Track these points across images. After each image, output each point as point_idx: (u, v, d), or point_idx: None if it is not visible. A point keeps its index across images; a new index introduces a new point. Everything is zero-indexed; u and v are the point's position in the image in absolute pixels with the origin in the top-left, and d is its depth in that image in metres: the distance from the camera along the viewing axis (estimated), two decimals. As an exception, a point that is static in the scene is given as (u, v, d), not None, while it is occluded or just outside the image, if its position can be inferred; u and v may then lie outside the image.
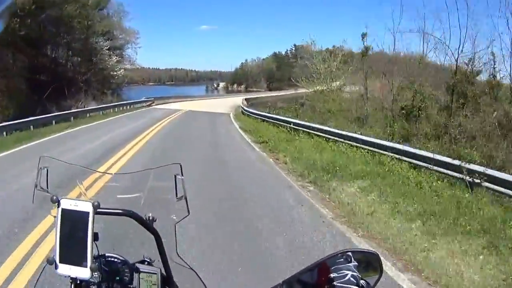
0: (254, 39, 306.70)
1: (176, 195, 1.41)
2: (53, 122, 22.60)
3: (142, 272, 1.36)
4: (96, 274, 1.19)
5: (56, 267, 1.11)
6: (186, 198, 1.41)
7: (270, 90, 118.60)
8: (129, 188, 1.59)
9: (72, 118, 25.01)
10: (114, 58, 41.55)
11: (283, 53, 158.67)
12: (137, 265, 1.39)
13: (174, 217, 1.47)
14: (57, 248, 1.11)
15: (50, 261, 1.12)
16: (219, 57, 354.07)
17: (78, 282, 1.19)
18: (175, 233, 1.45)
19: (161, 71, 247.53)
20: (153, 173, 1.53)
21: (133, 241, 1.66)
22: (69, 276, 1.13)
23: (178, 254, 1.43)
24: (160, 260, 1.38)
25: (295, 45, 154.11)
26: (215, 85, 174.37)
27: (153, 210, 1.41)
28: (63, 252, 1.11)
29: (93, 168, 4.24)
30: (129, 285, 1.36)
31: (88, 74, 37.06)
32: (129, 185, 1.63)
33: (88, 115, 27.84)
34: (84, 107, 30.11)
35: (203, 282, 1.45)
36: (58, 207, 1.13)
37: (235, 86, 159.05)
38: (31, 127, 19.78)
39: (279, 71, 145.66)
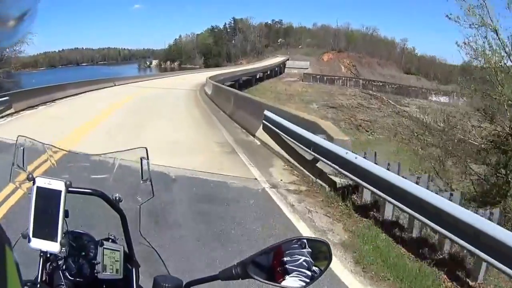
0: (190, 15, 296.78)
1: (142, 177, 1.50)
2: None
3: (106, 248, 1.41)
4: (64, 249, 1.24)
5: (29, 241, 1.19)
6: (151, 181, 1.49)
7: (207, 67, 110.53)
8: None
9: None
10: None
11: (221, 27, 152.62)
12: (102, 242, 1.43)
13: (139, 198, 1.53)
14: (30, 223, 1.19)
15: (24, 235, 1.20)
16: (153, 35, 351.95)
17: (48, 255, 1.27)
18: (140, 214, 1.52)
19: (95, 51, 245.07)
20: (121, 155, 1.56)
21: (100, 220, 1.66)
22: (39, 250, 1.21)
23: (141, 234, 1.50)
24: (124, 238, 1.45)
25: (234, 18, 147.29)
26: (148, 63, 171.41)
27: (120, 190, 1.46)
28: (36, 227, 1.18)
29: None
30: (94, 261, 1.40)
31: None
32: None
33: None
34: None
35: (163, 261, 1.52)
36: (34, 185, 1.19)
37: (168, 63, 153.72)
38: None
39: (216, 46, 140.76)
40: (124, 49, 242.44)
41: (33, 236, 1.19)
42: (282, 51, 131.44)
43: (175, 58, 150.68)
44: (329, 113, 45.22)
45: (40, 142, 1.59)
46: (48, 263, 1.33)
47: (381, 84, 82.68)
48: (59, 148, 1.68)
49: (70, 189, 1.20)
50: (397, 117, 46.00)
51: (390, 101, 60.42)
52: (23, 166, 1.48)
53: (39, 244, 1.19)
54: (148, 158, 1.50)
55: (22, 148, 1.50)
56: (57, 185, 1.19)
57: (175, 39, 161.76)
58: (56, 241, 1.18)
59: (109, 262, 1.41)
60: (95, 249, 1.42)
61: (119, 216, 1.42)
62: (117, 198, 1.43)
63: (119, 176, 1.58)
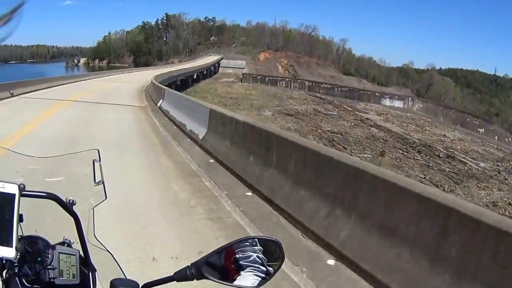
0: (121, 11, 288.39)
1: (94, 180, 1.53)
2: None
3: (61, 253, 1.39)
4: (19, 254, 1.21)
5: None
6: (103, 183, 1.52)
7: (137, 66, 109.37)
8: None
9: None
10: None
11: (153, 23, 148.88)
12: (57, 246, 1.41)
13: (92, 201, 1.54)
14: None
15: None
16: (82, 32, 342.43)
17: (4, 262, 1.22)
18: (93, 216, 1.52)
19: (24, 48, 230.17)
20: (73, 158, 1.63)
21: (55, 223, 1.61)
22: None
23: (95, 237, 1.49)
24: (78, 242, 1.44)
25: (166, 14, 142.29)
26: (76, 62, 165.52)
27: (73, 193, 1.46)
28: None
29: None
30: (50, 266, 1.35)
31: None
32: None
33: None
34: None
35: (118, 264, 1.50)
36: None
37: (96, 62, 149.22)
38: None
39: (147, 44, 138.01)
40: (53, 46, 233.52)
41: None
42: (215, 50, 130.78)
43: (104, 57, 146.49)
44: (288, 122, 38.70)
45: None
46: (4, 270, 1.28)
47: (328, 86, 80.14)
48: (5, 148, 1.66)
49: (23, 192, 1.16)
50: (366, 128, 41.20)
51: (346, 107, 57.01)
52: None
53: None
54: (100, 160, 1.53)
55: None
56: (10, 188, 1.13)
57: (104, 36, 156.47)
58: (11, 247, 1.13)
59: (65, 267, 1.38)
60: (51, 254, 1.36)
61: (73, 219, 1.40)
62: (70, 201, 1.41)
63: (71, 179, 1.64)
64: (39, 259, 1.32)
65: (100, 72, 60.27)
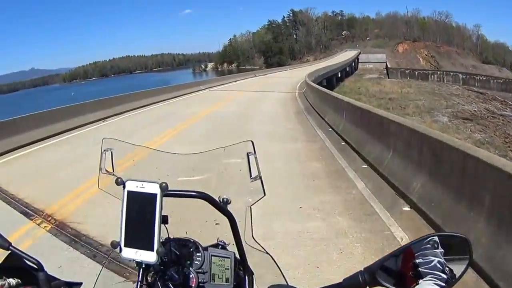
0: (242, 14, 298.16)
1: (250, 175, 1.41)
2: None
3: (214, 256, 1.37)
4: (165, 258, 1.24)
5: (120, 251, 1.12)
6: (261, 178, 1.40)
7: (269, 66, 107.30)
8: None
9: None
10: None
11: (279, 21, 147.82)
12: (210, 248, 1.40)
13: (248, 199, 1.45)
14: (122, 231, 1.11)
15: (114, 245, 1.13)
16: (207, 38, 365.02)
17: (144, 266, 1.19)
18: (251, 215, 1.44)
19: (148, 58, 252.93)
20: (224, 152, 1.51)
21: (207, 224, 1.58)
22: (134, 260, 1.12)
23: (253, 237, 1.42)
24: (234, 243, 1.37)
25: (292, 10, 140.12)
26: (203, 67, 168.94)
27: (227, 191, 1.41)
28: (128, 236, 1.11)
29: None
30: (200, 270, 1.36)
31: None
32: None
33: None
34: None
35: (278, 266, 1.41)
36: (124, 189, 1.13)
37: (225, 65, 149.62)
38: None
39: (276, 43, 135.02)
40: (179, 54, 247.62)
41: (125, 246, 1.10)
42: (348, 45, 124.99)
43: (232, 60, 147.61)
44: (474, 132, 30.41)
45: (128, 143, 1.57)
46: (149, 273, 1.28)
47: (483, 78, 70.42)
48: (150, 148, 1.64)
49: (170, 192, 1.12)
50: None
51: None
52: (112, 170, 1.47)
53: (131, 254, 1.10)
54: (255, 153, 1.41)
55: (110, 151, 1.48)
56: (151, 188, 1.10)
57: (230, 39, 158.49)
58: (152, 250, 1.08)
59: (218, 270, 1.35)
60: (202, 256, 1.36)
61: (227, 219, 1.32)
62: (225, 200, 1.36)
63: (224, 175, 1.54)
64: (188, 262, 1.32)
65: (230, 76, 54.81)
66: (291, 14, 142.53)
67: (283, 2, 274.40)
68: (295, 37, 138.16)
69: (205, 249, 1.38)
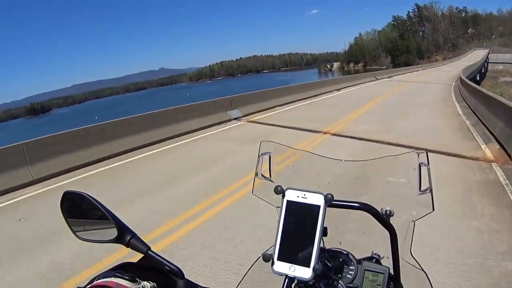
0: (368, 12, 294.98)
1: (420, 188, 1.31)
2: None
3: (368, 270, 1.32)
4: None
5: (272, 264, 1.03)
6: (431, 192, 1.30)
7: (395, 66, 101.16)
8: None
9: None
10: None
11: (404, 17, 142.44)
12: (365, 262, 1.34)
13: (414, 213, 1.34)
14: (277, 243, 1.04)
15: (266, 258, 1.06)
16: (333, 37, 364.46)
17: (296, 282, 1.13)
18: (413, 231, 1.35)
19: (275, 58, 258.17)
20: (393, 160, 1.44)
21: (364, 236, 1.50)
22: (286, 275, 1.03)
23: (411, 254, 1.34)
24: (388, 257, 1.32)
25: (417, 5, 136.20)
26: (329, 66, 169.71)
27: (390, 203, 1.36)
28: (283, 249, 1.03)
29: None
30: (350, 284, 1.30)
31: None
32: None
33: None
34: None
35: (431, 285, 1.31)
36: (283, 198, 1.07)
37: (351, 65, 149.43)
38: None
39: (402, 40, 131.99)
40: (307, 54, 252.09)
41: (278, 259, 1.02)
42: (475, 43, 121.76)
43: (358, 59, 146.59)
44: None
45: (288, 146, 1.50)
46: (293, 283, 1.17)
47: None
48: (310, 152, 1.58)
49: (332, 202, 1.04)
50: None
51: None
52: (269, 175, 1.41)
53: (285, 268, 1.01)
54: (428, 164, 1.29)
55: (268, 155, 1.43)
56: (314, 199, 1.02)
57: (355, 38, 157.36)
58: (308, 266, 0.99)
59: (369, 285, 1.29)
60: (355, 270, 1.30)
61: (388, 232, 1.24)
62: (388, 212, 1.31)
63: (389, 186, 1.42)
64: (339, 275, 1.29)
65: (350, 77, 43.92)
66: (416, 9, 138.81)
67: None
68: (421, 34, 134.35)
69: (359, 262, 1.33)
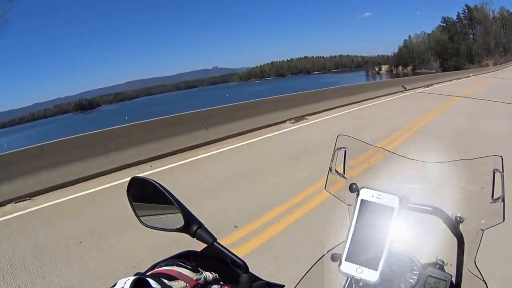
0: (420, 15, 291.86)
1: (492, 196, 1.22)
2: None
3: (431, 276, 1.24)
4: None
5: (339, 264, 1.02)
6: (503, 201, 1.20)
7: (444, 70, 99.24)
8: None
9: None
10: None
11: (454, 18, 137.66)
12: (429, 268, 1.27)
13: (483, 221, 1.25)
14: (348, 243, 1.03)
15: (334, 258, 1.08)
16: (383, 40, 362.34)
17: (361, 284, 1.08)
18: (480, 240, 1.24)
19: (326, 59, 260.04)
20: (465, 165, 1.33)
21: (430, 241, 1.39)
22: (352, 276, 1.02)
23: (475, 263, 1.24)
24: (451, 264, 1.27)
25: (467, 6, 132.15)
26: (377, 69, 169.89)
27: (461, 209, 1.26)
28: (352, 249, 1.02)
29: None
30: None
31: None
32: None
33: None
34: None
35: None
36: (357, 197, 1.05)
37: (400, 68, 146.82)
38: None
39: (452, 43, 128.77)
40: (357, 56, 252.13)
41: (346, 260, 1.01)
42: None
43: (407, 62, 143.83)
44: None
45: (365, 142, 1.45)
46: (354, 285, 1.13)
47: None
48: (389, 151, 1.48)
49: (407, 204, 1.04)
50: None
51: None
52: (343, 172, 1.37)
53: (351, 270, 1.00)
54: (503, 171, 1.20)
55: (344, 150, 1.38)
56: (389, 200, 1.00)
57: (405, 41, 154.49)
58: (376, 270, 0.98)
59: None
60: (418, 275, 1.24)
61: (455, 239, 1.20)
62: (458, 218, 1.21)
63: (461, 191, 1.29)
64: (402, 279, 1.25)
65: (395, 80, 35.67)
66: (466, 11, 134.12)
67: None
68: (471, 36, 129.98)
69: (423, 267, 1.27)
